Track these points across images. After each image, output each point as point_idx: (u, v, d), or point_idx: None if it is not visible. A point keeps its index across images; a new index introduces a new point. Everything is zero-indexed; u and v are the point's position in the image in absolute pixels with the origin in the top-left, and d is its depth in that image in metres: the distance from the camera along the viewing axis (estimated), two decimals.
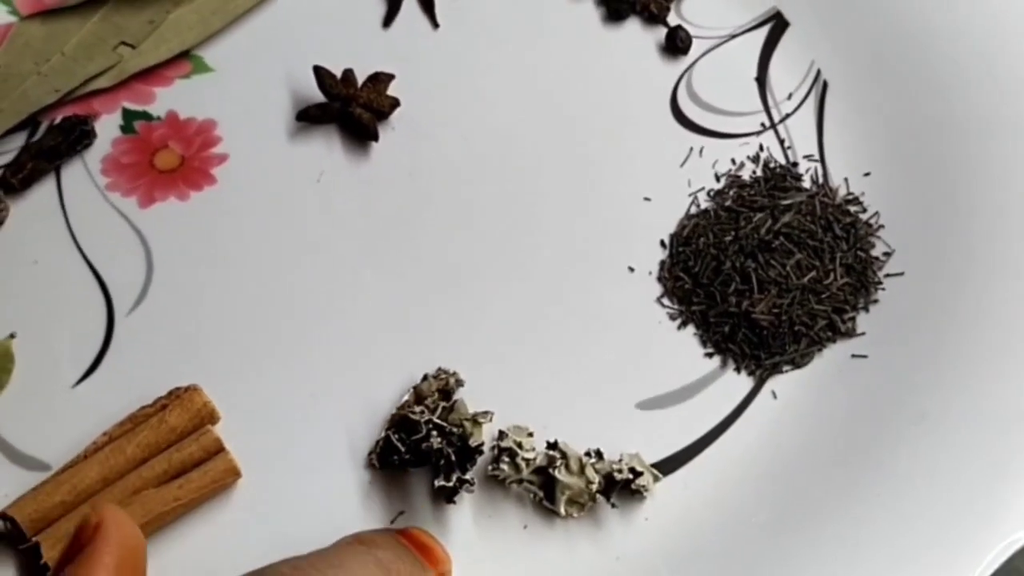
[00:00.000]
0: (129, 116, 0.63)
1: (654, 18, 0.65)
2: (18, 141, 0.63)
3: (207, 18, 0.67)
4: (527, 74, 0.64)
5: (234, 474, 0.52)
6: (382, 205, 0.60)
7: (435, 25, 0.66)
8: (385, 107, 0.62)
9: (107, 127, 0.63)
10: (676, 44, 0.64)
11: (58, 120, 0.63)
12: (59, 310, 0.57)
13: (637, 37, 0.65)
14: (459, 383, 0.54)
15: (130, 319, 0.57)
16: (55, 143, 0.61)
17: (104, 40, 0.66)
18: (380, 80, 0.63)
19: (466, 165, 0.61)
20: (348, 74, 0.63)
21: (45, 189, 0.61)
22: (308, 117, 0.62)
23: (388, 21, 0.66)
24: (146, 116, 0.63)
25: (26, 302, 0.57)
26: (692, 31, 0.65)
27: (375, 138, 0.61)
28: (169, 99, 0.64)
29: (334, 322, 0.57)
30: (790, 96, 0.63)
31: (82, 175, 0.61)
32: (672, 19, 0.65)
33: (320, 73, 0.62)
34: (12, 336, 0.56)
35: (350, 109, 0.62)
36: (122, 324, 0.57)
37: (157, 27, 0.66)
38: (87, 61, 0.65)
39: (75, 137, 0.62)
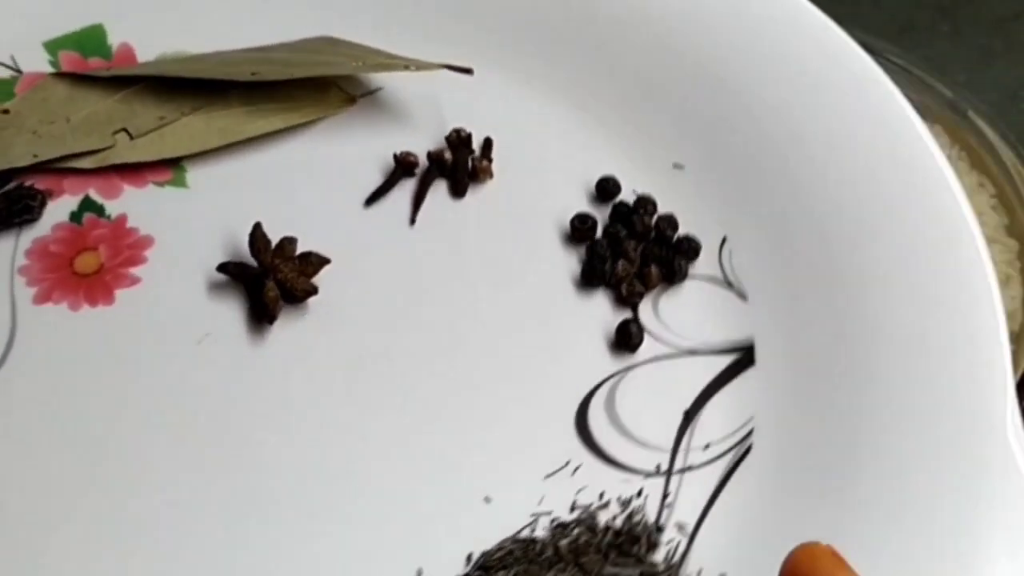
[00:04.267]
0: (85, 205, 0.62)
1: (622, 300, 0.58)
2: None
3: (210, 132, 0.65)
4: (464, 311, 0.58)
5: None
6: (237, 402, 0.56)
7: (412, 222, 0.61)
8: (297, 291, 0.58)
9: (61, 208, 0.62)
10: (625, 338, 0.57)
11: (12, 186, 0.62)
12: None
13: (596, 314, 0.58)
14: None
15: None
16: None
17: (111, 121, 0.65)
18: (311, 262, 0.59)
19: (343, 391, 0.56)
20: (285, 243, 0.59)
21: None
22: (227, 271, 0.59)
23: (370, 200, 0.62)
24: (99, 210, 0.62)
25: None
26: (655, 329, 0.57)
27: (270, 320, 0.58)
28: (131, 201, 0.63)
29: (113, 526, 0.53)
30: (707, 447, 0.54)
31: (7, 249, 0.61)
32: (644, 308, 0.58)
33: (256, 233, 0.59)
34: None
35: (264, 279, 0.58)
36: None
37: (164, 125, 0.65)
38: (84, 136, 0.64)
39: (17, 209, 0.61)
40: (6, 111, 0.65)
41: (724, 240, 0.60)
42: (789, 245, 0.59)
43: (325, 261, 0.59)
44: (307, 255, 0.59)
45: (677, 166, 0.62)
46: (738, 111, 0.62)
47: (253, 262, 0.59)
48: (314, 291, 0.58)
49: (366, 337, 0.58)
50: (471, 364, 0.57)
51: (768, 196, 0.60)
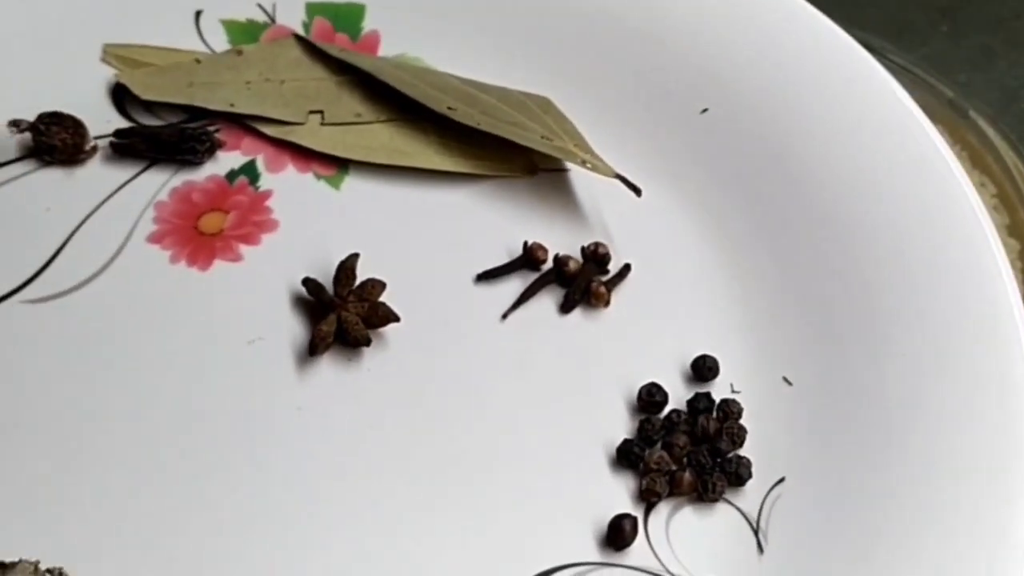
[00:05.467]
0: (246, 169, 0.64)
1: (639, 493, 0.53)
2: (174, 118, 0.65)
3: (390, 147, 0.65)
4: (491, 427, 0.56)
5: None
6: (251, 416, 0.56)
7: (503, 316, 0.59)
8: (350, 336, 0.57)
9: (225, 162, 0.64)
10: (613, 533, 0.52)
11: (197, 125, 0.64)
12: None
13: (611, 494, 0.54)
14: None
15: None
16: (167, 138, 0.64)
17: (315, 99, 0.66)
18: (378, 313, 0.58)
19: (353, 446, 0.55)
20: (370, 285, 0.58)
21: (124, 167, 0.63)
22: (307, 287, 0.59)
23: (482, 278, 0.60)
24: (255, 178, 0.63)
25: None
26: (655, 538, 0.53)
27: (311, 352, 0.57)
28: (285, 182, 0.63)
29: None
30: None
31: (158, 181, 0.63)
32: (659, 512, 0.53)
33: (345, 263, 0.58)
34: None
35: (328, 310, 0.58)
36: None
37: (357, 123, 0.65)
38: (283, 105, 0.66)
39: (184, 147, 0.63)
40: (240, 52, 0.67)
41: (781, 480, 0.53)
42: (845, 523, 0.51)
43: (394, 318, 0.57)
44: (378, 306, 0.57)
45: (785, 381, 0.55)
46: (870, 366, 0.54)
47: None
48: (367, 342, 0.57)
49: (393, 406, 0.56)
50: (463, 480, 0.54)
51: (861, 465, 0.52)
